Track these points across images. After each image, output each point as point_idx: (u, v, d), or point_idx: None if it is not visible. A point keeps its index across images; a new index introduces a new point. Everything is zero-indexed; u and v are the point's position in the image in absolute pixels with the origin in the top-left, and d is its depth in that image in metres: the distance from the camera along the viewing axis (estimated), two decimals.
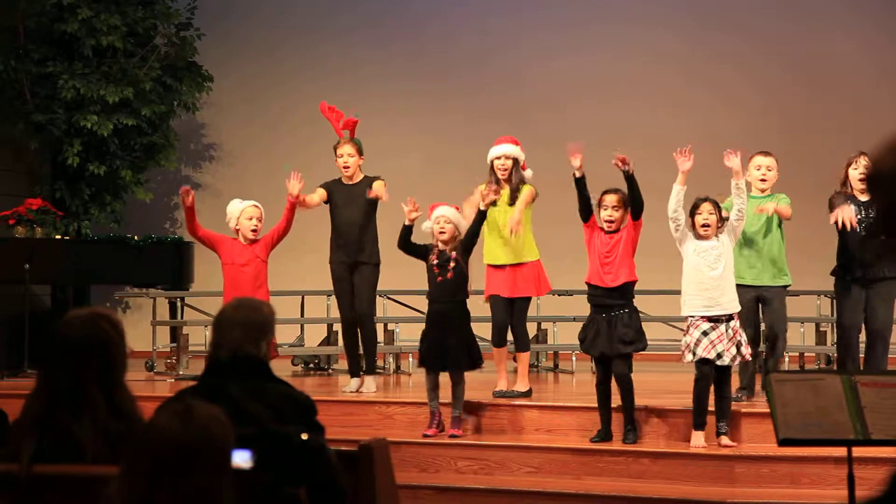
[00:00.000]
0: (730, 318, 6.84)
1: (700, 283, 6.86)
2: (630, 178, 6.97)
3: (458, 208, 7.53)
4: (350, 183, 8.30)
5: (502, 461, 7.08)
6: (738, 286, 7.22)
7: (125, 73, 11.62)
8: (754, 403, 7.32)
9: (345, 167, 8.26)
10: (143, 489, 2.56)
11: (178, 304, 10.55)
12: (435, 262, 7.33)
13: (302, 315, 10.88)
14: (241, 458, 2.66)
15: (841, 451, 5.01)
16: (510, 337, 8.03)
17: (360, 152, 8.30)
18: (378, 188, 8.10)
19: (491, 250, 7.97)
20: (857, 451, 4.76)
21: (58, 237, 10.94)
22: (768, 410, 4.80)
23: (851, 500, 4.54)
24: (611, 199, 7.11)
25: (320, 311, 10.67)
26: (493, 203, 7.74)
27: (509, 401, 7.66)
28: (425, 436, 7.32)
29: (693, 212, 6.91)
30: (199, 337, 9.70)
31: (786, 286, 7.63)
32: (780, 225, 7.60)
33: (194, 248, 11.73)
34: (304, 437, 2.95)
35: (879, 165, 1.08)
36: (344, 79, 12.64)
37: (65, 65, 11.59)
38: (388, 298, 10.79)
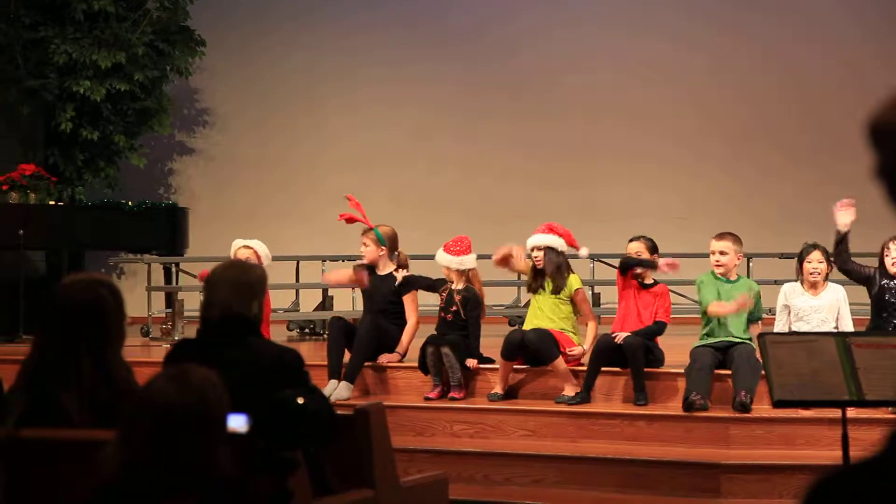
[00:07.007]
0: None
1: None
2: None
3: (463, 243, 7.45)
4: (379, 273, 7.77)
5: (498, 424, 7.09)
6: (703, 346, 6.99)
7: (117, 38, 11.54)
8: None
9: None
10: (138, 453, 2.56)
11: (173, 269, 10.54)
12: (443, 298, 7.55)
13: (297, 280, 10.88)
14: (237, 423, 2.66)
15: (835, 413, 5.04)
16: None
17: (379, 243, 7.68)
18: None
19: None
20: (851, 413, 4.78)
21: (52, 203, 10.91)
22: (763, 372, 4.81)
23: (846, 461, 4.55)
24: (634, 246, 7.37)
25: (315, 276, 10.66)
26: (536, 290, 7.47)
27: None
28: (427, 399, 7.33)
29: (802, 258, 7.11)
30: (194, 302, 9.66)
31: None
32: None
33: (189, 213, 11.71)
34: (301, 400, 2.95)
35: (881, 119, 1.07)
36: (338, 45, 12.58)
37: (56, 29, 11.51)
38: None
